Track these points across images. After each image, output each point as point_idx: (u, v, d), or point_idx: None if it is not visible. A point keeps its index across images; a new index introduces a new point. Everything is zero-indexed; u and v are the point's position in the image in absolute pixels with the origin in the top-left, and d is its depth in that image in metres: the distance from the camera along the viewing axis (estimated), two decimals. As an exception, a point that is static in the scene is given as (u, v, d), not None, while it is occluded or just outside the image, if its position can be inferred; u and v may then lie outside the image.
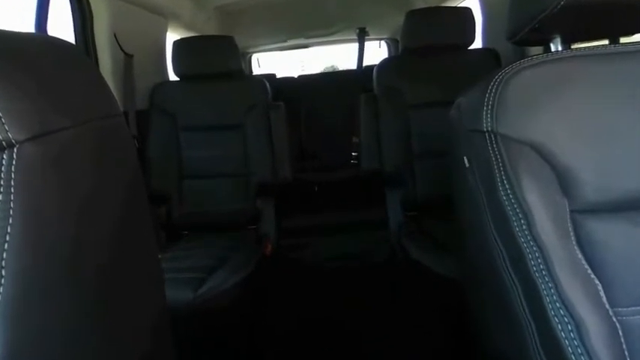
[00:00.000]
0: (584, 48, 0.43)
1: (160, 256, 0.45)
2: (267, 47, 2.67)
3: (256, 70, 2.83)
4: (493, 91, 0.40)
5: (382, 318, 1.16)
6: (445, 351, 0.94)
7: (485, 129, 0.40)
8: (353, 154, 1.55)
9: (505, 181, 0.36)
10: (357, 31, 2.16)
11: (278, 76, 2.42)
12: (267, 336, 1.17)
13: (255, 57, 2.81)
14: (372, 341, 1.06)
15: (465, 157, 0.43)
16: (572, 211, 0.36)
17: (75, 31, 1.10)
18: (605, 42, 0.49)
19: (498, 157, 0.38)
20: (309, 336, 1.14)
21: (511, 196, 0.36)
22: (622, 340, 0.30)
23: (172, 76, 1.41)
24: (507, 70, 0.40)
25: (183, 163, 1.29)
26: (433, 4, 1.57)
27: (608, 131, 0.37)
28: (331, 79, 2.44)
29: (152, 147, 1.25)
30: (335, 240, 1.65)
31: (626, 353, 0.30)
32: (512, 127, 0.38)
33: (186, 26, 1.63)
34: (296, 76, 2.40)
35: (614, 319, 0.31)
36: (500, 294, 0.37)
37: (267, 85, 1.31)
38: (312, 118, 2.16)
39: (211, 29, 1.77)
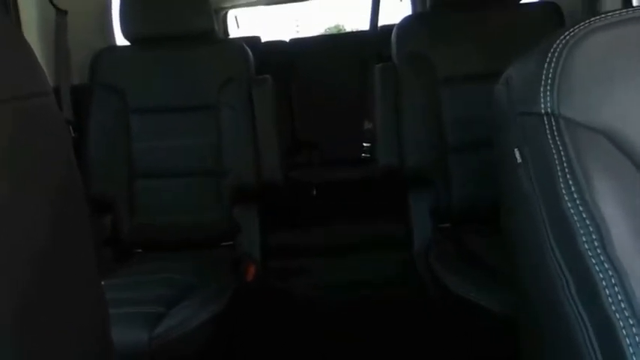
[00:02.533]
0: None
1: (102, 284, 0.45)
2: (248, 1, 2.67)
3: (234, 33, 2.84)
4: (554, 60, 0.40)
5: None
6: None
7: (543, 111, 0.40)
8: (364, 145, 1.55)
9: (571, 182, 0.37)
10: None
11: (264, 39, 2.42)
12: None
13: (231, 13, 2.82)
14: None
15: (516, 150, 0.44)
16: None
17: (-11, -21, 1.11)
18: None
19: (561, 148, 0.38)
20: None
21: (579, 202, 0.36)
22: None
23: (120, 41, 1.41)
24: (573, 31, 0.41)
25: (134, 157, 1.28)
26: None
27: None
28: (335, 43, 2.43)
29: (93, 135, 1.25)
30: (340, 263, 1.65)
31: None
32: (579, 108, 0.39)
33: None
34: (288, 40, 2.40)
35: None
36: (565, 335, 0.37)
37: (249, 51, 1.31)
38: (310, 97, 2.16)
39: None
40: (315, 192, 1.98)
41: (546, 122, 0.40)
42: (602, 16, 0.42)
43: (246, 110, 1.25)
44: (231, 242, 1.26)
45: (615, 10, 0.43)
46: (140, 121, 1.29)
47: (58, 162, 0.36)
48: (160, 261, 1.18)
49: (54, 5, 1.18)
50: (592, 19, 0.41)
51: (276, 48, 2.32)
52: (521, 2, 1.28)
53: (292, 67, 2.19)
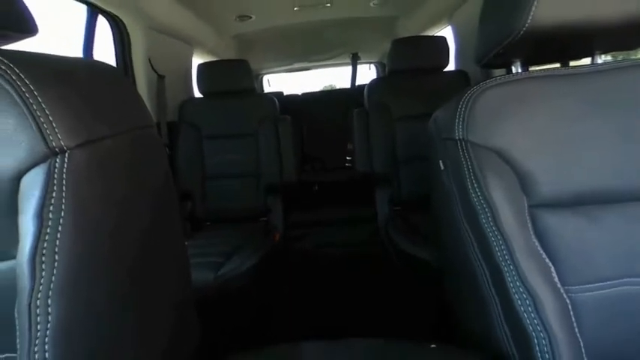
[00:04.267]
0: (540, 70, 0.43)
1: (186, 243, 0.45)
2: (275, 69, 2.68)
3: (267, 89, 2.83)
4: (464, 106, 0.40)
5: (371, 298, 1.15)
6: (425, 325, 0.93)
7: (457, 137, 0.40)
8: (347, 158, 1.55)
9: (474, 181, 0.36)
10: (351, 55, 2.17)
11: (285, 93, 2.43)
12: (275, 308, 1.17)
13: (265, 77, 2.82)
14: (361, 317, 1.06)
15: (440, 162, 0.43)
16: (530, 207, 0.36)
17: (116, 55, 1.11)
18: (557, 65, 0.49)
19: (468, 161, 0.38)
20: (307, 310, 1.14)
21: (479, 194, 0.36)
22: (571, 313, 0.30)
23: (197, 94, 1.42)
24: (475, 88, 0.40)
25: (205, 166, 1.29)
26: (414, 34, 1.57)
27: (560, 141, 0.37)
28: (329, 96, 2.43)
29: (180, 153, 1.26)
30: (332, 231, 1.64)
31: (575, 325, 0.30)
32: (479, 135, 0.39)
33: (209, 51, 1.64)
34: (300, 94, 2.40)
35: (565, 296, 0.31)
36: (472, 278, 0.37)
37: (276, 101, 1.31)
38: (314, 129, 2.16)
39: (230, 54, 1.78)
40: (316, 188, 1.97)
41: (459, 145, 0.39)
42: (493, 79, 0.41)
43: (274, 137, 1.26)
44: (265, 219, 1.26)
45: (501, 75, 0.43)
46: (209, 144, 1.29)
47: (160, 170, 0.36)
48: (221, 230, 1.18)
49: (156, 72, 1.18)
50: (486, 81, 0.41)
51: (293, 98, 2.33)
52: (443, 71, 1.27)
53: (303, 110, 2.20)
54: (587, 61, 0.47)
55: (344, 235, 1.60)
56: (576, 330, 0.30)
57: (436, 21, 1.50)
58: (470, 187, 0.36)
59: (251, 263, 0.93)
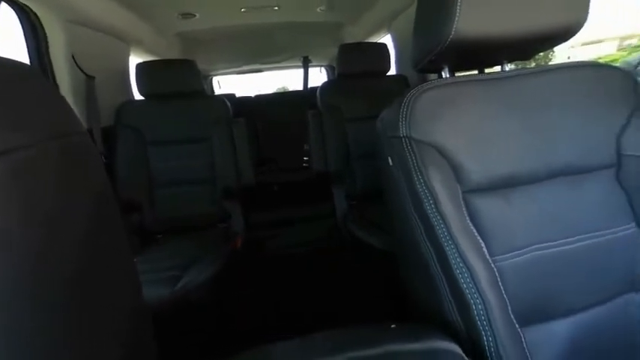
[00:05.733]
0: (463, 75, 0.49)
1: (135, 260, 0.40)
2: (226, 71, 2.55)
3: (217, 91, 2.68)
4: (405, 106, 0.43)
5: (336, 291, 1.18)
6: (384, 306, 0.99)
7: (402, 135, 0.43)
8: (304, 158, 1.56)
9: (419, 174, 0.40)
10: (302, 58, 2.18)
11: (238, 95, 2.33)
12: (240, 315, 1.12)
13: (215, 79, 2.66)
14: (328, 311, 1.08)
15: (389, 157, 0.46)
16: (463, 192, 0.40)
17: (29, 53, 0.92)
18: (476, 72, 0.56)
19: (412, 156, 0.41)
20: (274, 311, 1.12)
21: (423, 184, 0.39)
22: (498, 279, 0.35)
23: (137, 96, 1.27)
24: (414, 91, 0.44)
25: (152, 173, 1.16)
26: (358, 40, 1.65)
27: (481, 137, 0.43)
28: (283, 97, 2.41)
29: (120, 160, 1.11)
30: (294, 230, 1.64)
31: (502, 288, 0.35)
32: (420, 133, 0.42)
33: (148, 50, 1.47)
34: (253, 96, 2.33)
35: (493, 266, 0.36)
36: (421, 259, 0.40)
37: (228, 103, 1.24)
38: (269, 130, 2.12)
39: (173, 53, 1.63)
40: (276, 188, 1.94)
41: (404, 142, 0.42)
42: (428, 83, 0.46)
43: (229, 140, 1.19)
44: (224, 224, 1.19)
45: (434, 80, 0.47)
46: (155, 149, 1.17)
47: (94, 179, 0.32)
48: (175, 241, 1.08)
49: (83, 72, 1.02)
50: (423, 84, 0.45)
51: (246, 100, 2.24)
52: (386, 75, 1.36)
53: (257, 112, 2.14)
54: (497, 68, 0.55)
55: (306, 233, 1.61)
56: (503, 292, 0.35)
57: (377, 29, 1.60)
58: (415, 178, 0.39)
59: (211, 273, 0.86)
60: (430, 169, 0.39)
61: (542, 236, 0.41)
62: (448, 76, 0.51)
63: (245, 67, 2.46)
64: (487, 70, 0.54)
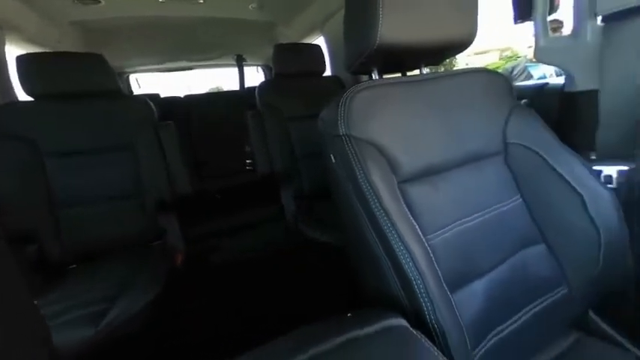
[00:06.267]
0: (390, 77, 0.54)
1: (36, 303, 0.31)
2: (146, 68, 2.23)
3: (137, 91, 2.33)
4: (343, 106, 0.46)
5: (292, 292, 1.17)
6: (342, 299, 1.02)
7: (342, 133, 0.45)
8: (247, 161, 1.49)
9: (359, 168, 0.42)
10: (235, 57, 2.07)
11: (163, 96, 2.06)
12: (187, 337, 1.01)
13: (133, 77, 2.31)
14: (287, 313, 1.07)
15: (332, 155, 0.47)
16: (398, 183, 0.45)
17: None
18: (399, 74, 0.62)
19: (352, 152, 0.43)
20: (228, 323, 1.05)
21: (364, 178, 0.42)
22: (431, 255, 0.40)
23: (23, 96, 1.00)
24: (349, 92, 0.47)
25: (53, 192, 0.94)
26: (292, 41, 1.66)
27: (410, 132, 0.48)
28: (218, 98, 2.24)
29: (3, 180, 0.87)
30: (243, 237, 1.55)
31: (435, 263, 0.40)
32: (358, 131, 0.45)
33: (31, 40, 1.18)
34: (182, 96, 2.10)
35: (426, 245, 0.41)
36: (367, 246, 0.42)
37: (152, 104, 1.09)
38: (205, 133, 1.95)
39: (67, 45, 1.34)
40: (219, 196, 1.81)
41: (344, 140, 0.44)
42: (361, 84, 0.49)
43: (156, 146, 1.04)
44: (160, 241, 1.05)
45: (367, 81, 0.51)
46: (56, 162, 0.94)
47: None
48: (95, 270, 0.89)
49: None
50: (357, 85, 0.48)
51: (174, 101, 2.01)
52: (323, 76, 1.40)
53: (188, 114, 1.94)
54: (417, 71, 0.63)
55: (256, 239, 1.55)
56: (436, 265, 0.40)
57: (311, 31, 1.63)
58: (357, 173, 0.42)
59: (147, 299, 0.75)
60: (369, 164, 0.42)
61: (460, 213, 0.48)
62: (377, 77, 0.56)
63: (170, 65, 2.20)
64: (408, 73, 0.61)
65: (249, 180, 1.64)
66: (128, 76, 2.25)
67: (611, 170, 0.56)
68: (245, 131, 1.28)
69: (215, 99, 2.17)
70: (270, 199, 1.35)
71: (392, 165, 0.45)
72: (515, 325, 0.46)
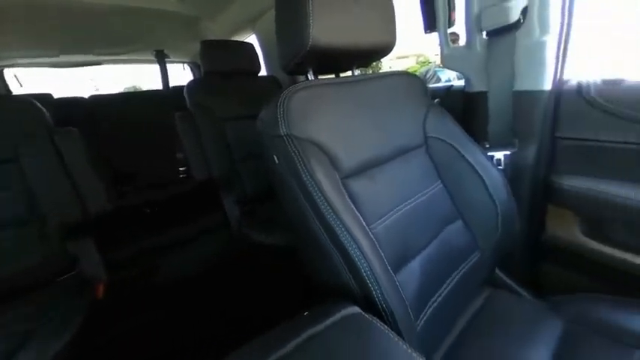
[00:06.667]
0: (326, 78, 0.56)
1: None
2: (31, 61, 1.77)
3: (18, 90, 1.84)
4: (281, 106, 0.45)
5: (247, 295, 1.11)
6: (295, 297, 1.02)
7: (282, 134, 0.45)
8: (181, 168, 1.35)
9: (304, 167, 0.43)
10: (154, 52, 1.83)
11: (57, 96, 1.67)
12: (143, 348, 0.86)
13: (9, 72, 1.81)
14: (243, 322, 1.01)
15: (274, 156, 0.47)
16: (341, 179, 0.47)
17: None
18: (333, 75, 0.65)
19: (296, 152, 0.43)
20: (186, 336, 0.94)
21: (309, 176, 0.42)
22: (375, 242, 0.44)
23: None
24: (286, 92, 0.47)
25: None
26: (220, 37, 1.56)
27: (346, 130, 0.51)
28: (135, 98, 1.94)
29: None
30: (186, 251, 1.40)
31: (379, 248, 0.44)
32: (299, 130, 0.45)
33: None
34: (87, 97, 1.75)
35: (370, 233, 0.44)
36: (317, 242, 0.43)
37: (41, 107, 0.86)
38: (124, 140, 1.67)
39: None
40: (148, 210, 1.58)
41: (285, 140, 0.44)
42: (299, 84, 0.49)
43: (53, 159, 0.84)
44: (73, 272, 0.86)
45: (304, 81, 0.52)
46: None
47: None
48: None
49: None
50: (294, 85, 0.48)
51: (76, 103, 1.66)
52: (258, 75, 1.36)
53: (98, 117, 1.63)
54: (349, 73, 0.67)
55: (200, 250, 1.41)
56: (380, 251, 0.44)
57: (241, 28, 1.56)
58: (302, 172, 0.42)
59: (60, 345, 0.62)
60: (313, 163, 0.43)
61: (396, 202, 0.54)
62: (313, 78, 0.57)
63: (68, 58, 1.80)
64: (342, 75, 0.64)
65: (185, 189, 1.48)
66: (2, 71, 1.76)
67: (499, 155, 0.70)
68: (174, 135, 1.15)
69: (132, 100, 1.87)
70: (212, 206, 1.25)
71: (333, 162, 0.47)
72: (444, 292, 0.54)
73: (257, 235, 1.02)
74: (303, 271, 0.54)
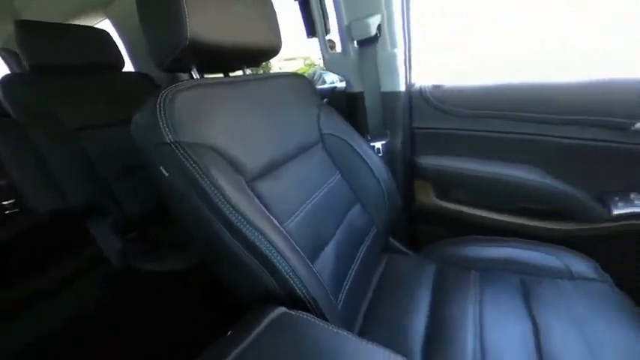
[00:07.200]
0: (213, 78, 0.52)
1: None
2: None
3: None
4: (162, 108, 0.39)
5: (156, 333, 0.91)
6: (212, 318, 0.91)
7: (168, 141, 0.39)
8: (4, 202, 0.94)
9: (204, 175, 0.38)
10: None
11: None
12: None
13: None
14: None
15: (162, 168, 0.40)
16: (247, 182, 0.45)
17: None
18: (221, 75, 0.61)
19: (190, 160, 0.38)
20: None
21: (210, 185, 0.39)
22: (291, 240, 0.45)
23: None
24: (166, 92, 0.41)
25: None
26: (49, 19, 1.18)
27: (245, 132, 0.49)
28: None
29: None
30: (29, 317, 0.99)
31: (295, 244, 0.45)
32: (189, 135, 0.40)
33: None
34: None
35: (284, 232, 0.44)
36: (230, 252, 0.40)
37: None
38: None
39: None
40: None
41: (174, 148, 0.39)
42: (183, 82, 0.44)
43: None
44: None
45: (189, 80, 0.46)
46: None
47: None
48: None
49: None
50: (177, 84, 0.42)
51: None
52: (123, 71, 1.11)
53: None
54: (240, 73, 0.64)
55: (67, 303, 1.04)
56: (296, 247, 0.45)
57: (84, 10, 1.22)
58: (202, 182, 0.38)
59: None
60: (213, 170, 0.39)
61: (304, 196, 0.56)
62: (198, 77, 0.52)
63: None
64: (232, 74, 0.61)
65: (20, 230, 1.05)
66: None
67: (378, 145, 0.85)
68: None
69: None
70: (75, 242, 0.94)
71: (235, 166, 0.44)
72: (355, 268, 0.61)
73: (148, 264, 0.85)
74: (215, 289, 0.49)
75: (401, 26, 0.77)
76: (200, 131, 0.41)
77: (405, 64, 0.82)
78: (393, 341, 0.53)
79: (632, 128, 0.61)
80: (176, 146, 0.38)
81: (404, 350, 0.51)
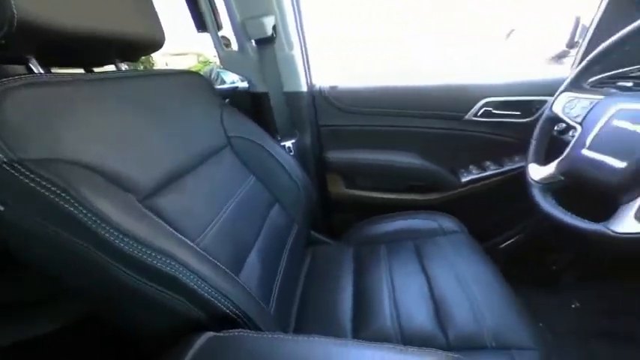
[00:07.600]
0: (70, 74, 0.40)
1: None
2: None
3: None
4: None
5: None
6: None
7: (4, 160, 0.28)
8: None
9: (74, 201, 0.29)
10: None
11: None
12: None
13: None
14: None
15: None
16: (140, 201, 0.37)
17: None
18: (82, 70, 0.48)
19: (45, 183, 0.28)
20: None
21: (87, 211, 0.29)
22: (207, 255, 0.40)
23: None
24: None
25: None
26: None
27: (129, 140, 0.40)
28: None
29: None
30: None
31: (210, 258, 0.40)
32: (38, 149, 0.30)
33: None
34: None
35: (197, 248, 0.39)
36: (128, 290, 0.32)
37: None
38: None
39: None
40: None
41: (14, 169, 0.28)
42: (18, 77, 0.32)
43: None
44: None
45: (26, 75, 0.34)
46: None
47: None
48: None
49: None
50: (5, 79, 0.31)
51: None
52: None
53: None
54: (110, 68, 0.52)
55: None
56: (216, 262, 0.41)
57: None
58: (72, 210, 0.29)
59: None
60: (85, 191, 0.30)
61: (217, 206, 0.52)
62: (41, 71, 0.39)
63: None
64: (98, 70, 0.49)
65: None
66: None
67: (289, 144, 0.87)
68: None
69: None
70: None
71: (119, 183, 0.36)
72: (282, 269, 0.61)
73: (6, 334, 0.60)
74: (116, 338, 0.39)
75: (295, 28, 0.80)
76: (58, 143, 0.31)
77: (304, 65, 0.86)
78: (326, 326, 0.56)
79: (463, 119, 0.85)
80: (17, 167, 0.28)
81: (336, 329, 0.55)
